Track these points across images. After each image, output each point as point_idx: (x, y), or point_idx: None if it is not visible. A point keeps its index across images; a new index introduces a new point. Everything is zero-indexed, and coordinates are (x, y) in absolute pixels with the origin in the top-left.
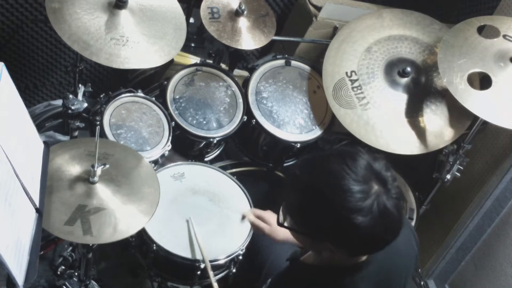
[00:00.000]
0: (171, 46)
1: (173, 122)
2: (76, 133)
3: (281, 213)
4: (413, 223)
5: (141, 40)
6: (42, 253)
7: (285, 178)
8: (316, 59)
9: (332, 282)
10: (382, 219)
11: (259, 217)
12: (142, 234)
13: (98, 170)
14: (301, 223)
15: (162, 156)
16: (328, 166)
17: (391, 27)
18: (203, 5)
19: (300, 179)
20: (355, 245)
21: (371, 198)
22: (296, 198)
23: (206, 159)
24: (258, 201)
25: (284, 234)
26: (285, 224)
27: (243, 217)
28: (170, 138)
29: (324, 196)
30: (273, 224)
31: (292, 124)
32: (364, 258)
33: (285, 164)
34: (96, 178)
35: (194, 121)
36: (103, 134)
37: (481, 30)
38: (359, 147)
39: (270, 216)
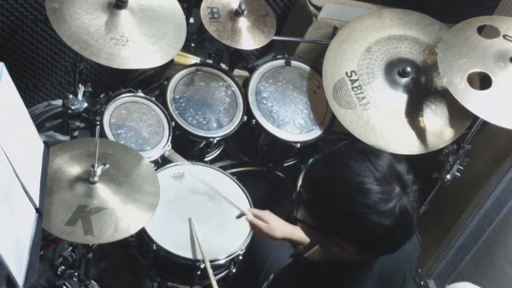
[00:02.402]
0: (171, 46)
1: (173, 122)
2: (76, 133)
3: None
4: None
5: (141, 40)
6: (42, 253)
7: (305, 170)
8: (316, 59)
9: (336, 279)
10: (402, 221)
11: (256, 216)
12: (142, 234)
13: (98, 170)
14: (316, 217)
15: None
16: (351, 162)
17: (391, 27)
18: (203, 5)
19: (320, 174)
20: (371, 243)
21: (393, 200)
22: (315, 192)
23: (206, 159)
24: (258, 201)
25: (282, 232)
26: (298, 216)
27: (240, 215)
28: (170, 138)
29: (344, 193)
30: (271, 222)
31: (292, 124)
32: (370, 255)
33: (285, 164)
34: (96, 178)
35: (194, 121)
36: (103, 134)
37: (481, 30)
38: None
39: (267, 215)
